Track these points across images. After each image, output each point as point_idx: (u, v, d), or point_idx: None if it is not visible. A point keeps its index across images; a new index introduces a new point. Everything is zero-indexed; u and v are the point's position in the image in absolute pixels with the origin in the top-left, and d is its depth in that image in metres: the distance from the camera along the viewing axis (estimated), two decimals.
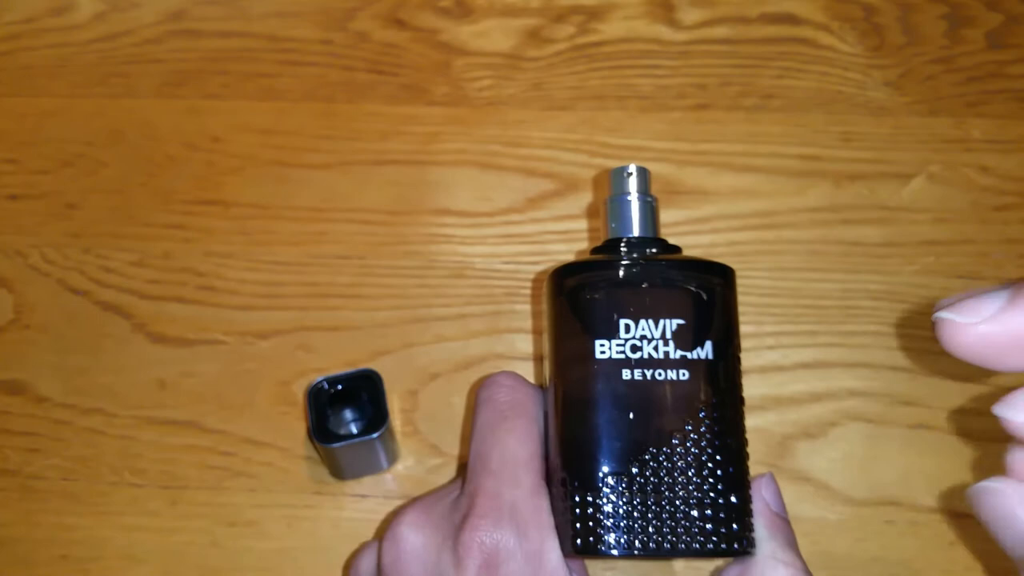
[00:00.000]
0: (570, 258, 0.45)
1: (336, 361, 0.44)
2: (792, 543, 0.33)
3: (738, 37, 0.49)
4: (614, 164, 0.47)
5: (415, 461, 0.42)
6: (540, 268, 0.45)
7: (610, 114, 0.48)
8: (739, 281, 0.35)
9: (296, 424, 0.43)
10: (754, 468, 0.41)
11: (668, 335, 0.32)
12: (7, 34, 0.51)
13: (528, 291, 0.45)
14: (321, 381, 0.39)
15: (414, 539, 0.33)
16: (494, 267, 0.45)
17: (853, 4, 0.50)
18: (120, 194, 0.47)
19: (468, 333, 0.44)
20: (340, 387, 0.40)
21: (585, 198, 0.47)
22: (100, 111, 0.49)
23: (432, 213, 0.46)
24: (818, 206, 0.46)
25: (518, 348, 0.44)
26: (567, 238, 0.46)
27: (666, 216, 0.46)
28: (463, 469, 0.36)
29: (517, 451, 0.33)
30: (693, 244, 0.45)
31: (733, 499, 0.31)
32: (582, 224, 0.46)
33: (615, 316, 0.32)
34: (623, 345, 0.32)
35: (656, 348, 0.32)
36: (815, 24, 0.50)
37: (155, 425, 0.43)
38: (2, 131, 0.49)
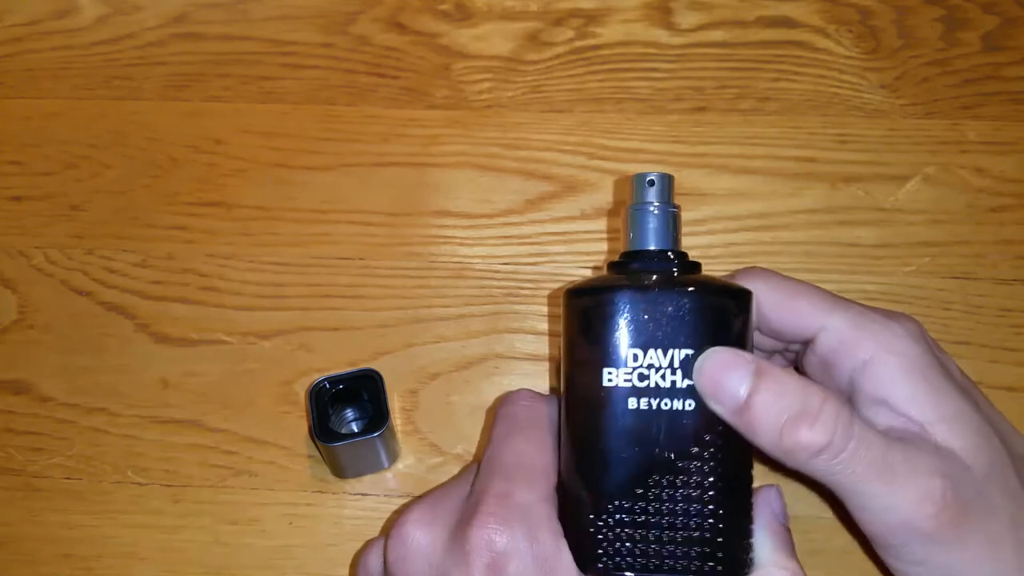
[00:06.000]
0: (569, 259, 0.46)
1: (337, 361, 0.44)
2: (792, 550, 0.33)
3: (735, 40, 0.50)
4: (612, 166, 0.48)
5: (415, 460, 0.43)
6: (539, 269, 0.46)
7: (608, 116, 0.48)
8: None
9: (298, 423, 0.43)
10: None
11: (676, 364, 0.31)
12: (10, 36, 0.52)
13: (527, 292, 0.45)
14: (322, 380, 0.40)
15: (420, 536, 0.32)
16: (493, 268, 0.46)
17: (849, 7, 0.50)
18: (123, 196, 0.48)
19: (468, 333, 0.44)
20: (341, 386, 0.40)
21: (584, 200, 0.47)
22: (103, 113, 0.49)
23: (432, 215, 0.47)
24: (814, 207, 0.46)
25: (517, 348, 0.44)
26: (566, 239, 0.46)
27: None
28: (471, 466, 0.36)
29: (534, 458, 0.33)
30: (691, 246, 0.45)
31: (734, 525, 0.32)
32: (581, 226, 0.46)
33: (623, 344, 0.32)
34: (631, 374, 0.32)
35: (663, 377, 0.31)
36: (811, 27, 0.50)
37: (158, 424, 0.43)
38: (6, 133, 0.49)
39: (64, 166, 0.48)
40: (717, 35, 0.50)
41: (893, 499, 0.30)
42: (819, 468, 0.31)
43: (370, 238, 0.46)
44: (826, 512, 0.41)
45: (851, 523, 0.41)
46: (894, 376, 0.33)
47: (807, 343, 0.35)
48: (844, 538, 0.41)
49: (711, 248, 0.46)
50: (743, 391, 0.31)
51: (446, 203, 0.47)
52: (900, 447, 0.31)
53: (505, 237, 0.46)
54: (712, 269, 0.45)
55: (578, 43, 0.50)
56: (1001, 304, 0.44)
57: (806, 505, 0.41)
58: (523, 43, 0.50)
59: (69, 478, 0.43)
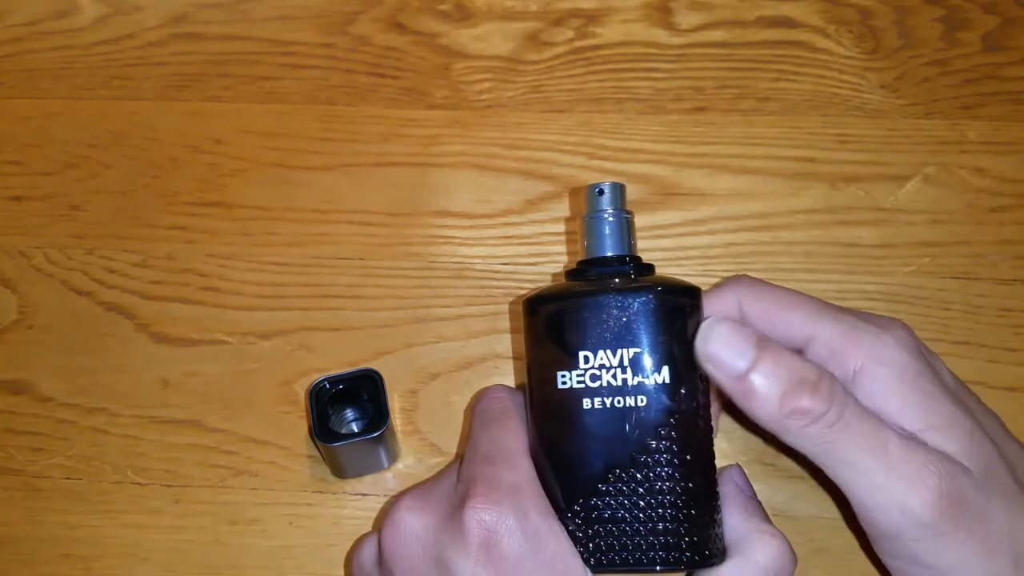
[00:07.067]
0: (567, 260, 0.46)
1: (337, 361, 0.44)
2: (766, 516, 0.35)
3: (735, 40, 0.50)
4: (612, 166, 0.48)
5: (415, 460, 0.43)
6: (539, 269, 0.46)
7: (608, 117, 0.48)
8: None
9: (298, 423, 0.43)
10: (749, 466, 0.41)
11: (625, 363, 0.33)
12: (10, 36, 0.52)
13: (527, 292, 0.45)
14: (322, 381, 0.40)
15: (413, 522, 0.33)
16: (494, 268, 0.46)
17: (849, 7, 0.50)
18: (123, 196, 0.48)
19: (468, 333, 0.44)
20: (341, 386, 0.40)
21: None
22: (103, 113, 0.49)
23: (432, 215, 0.47)
24: (814, 208, 0.46)
25: (517, 348, 0.44)
26: (566, 239, 0.46)
27: (663, 218, 0.46)
28: (458, 461, 0.37)
29: (512, 444, 0.34)
30: (690, 246, 0.46)
31: (699, 513, 0.32)
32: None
33: (574, 348, 0.33)
34: (583, 375, 0.33)
35: (615, 376, 0.33)
36: (811, 27, 0.50)
37: (158, 424, 0.43)
38: (6, 133, 0.49)
39: (64, 166, 0.48)
40: (717, 35, 0.50)
41: (887, 478, 0.31)
42: (812, 435, 0.31)
43: (370, 238, 0.46)
44: (826, 512, 0.41)
45: (852, 522, 0.41)
46: (885, 387, 0.33)
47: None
48: (845, 538, 0.41)
49: (711, 248, 0.46)
50: (744, 363, 0.32)
51: (446, 203, 0.47)
52: (895, 435, 0.32)
53: (505, 237, 0.46)
54: (712, 269, 0.45)
55: (578, 43, 0.50)
56: (1001, 304, 0.44)
57: (806, 505, 0.41)
58: (523, 43, 0.50)
59: (69, 478, 0.43)
